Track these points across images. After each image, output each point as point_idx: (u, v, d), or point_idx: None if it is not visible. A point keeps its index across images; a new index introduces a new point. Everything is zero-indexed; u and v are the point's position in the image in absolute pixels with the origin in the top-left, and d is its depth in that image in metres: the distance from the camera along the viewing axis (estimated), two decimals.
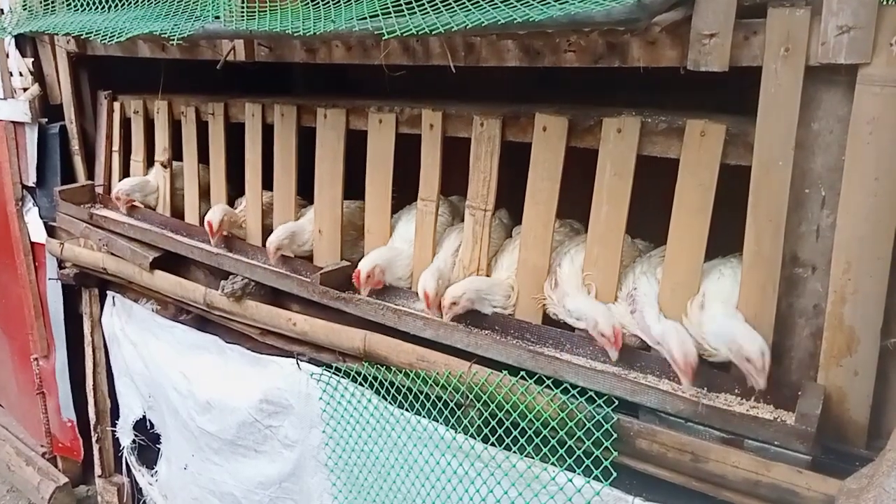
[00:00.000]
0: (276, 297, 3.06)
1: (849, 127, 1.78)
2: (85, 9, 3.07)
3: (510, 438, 2.22)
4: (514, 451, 2.22)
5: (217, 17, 2.52)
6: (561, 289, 2.31)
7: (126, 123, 3.84)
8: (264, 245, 3.19)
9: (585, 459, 2.04)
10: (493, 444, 2.28)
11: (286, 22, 2.28)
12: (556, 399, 2.11)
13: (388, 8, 2.07)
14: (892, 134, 1.73)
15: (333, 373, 2.75)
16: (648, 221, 2.37)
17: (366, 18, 2.12)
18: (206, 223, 3.20)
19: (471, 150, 2.51)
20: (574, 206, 2.44)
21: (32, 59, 4.01)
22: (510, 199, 2.60)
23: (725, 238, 2.12)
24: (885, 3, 1.69)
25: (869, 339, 1.83)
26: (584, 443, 2.03)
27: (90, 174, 4.05)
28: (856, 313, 1.83)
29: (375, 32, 2.01)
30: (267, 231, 3.23)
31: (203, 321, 3.42)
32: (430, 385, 2.39)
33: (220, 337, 3.31)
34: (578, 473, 2.07)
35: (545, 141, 2.32)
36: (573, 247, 2.44)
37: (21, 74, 4.06)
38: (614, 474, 1.97)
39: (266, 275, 3.03)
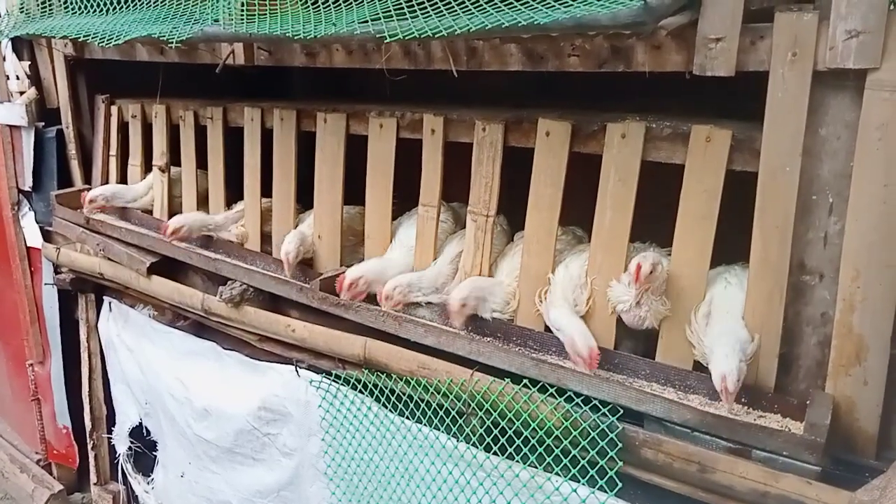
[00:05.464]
0: (275, 303, 3.02)
1: (857, 133, 1.76)
2: (82, 12, 3.04)
3: (513, 447, 2.19)
4: (517, 461, 2.19)
5: (216, 21, 2.49)
6: (549, 298, 2.29)
7: (124, 127, 3.81)
8: (262, 251, 3.18)
9: (590, 469, 2.01)
10: (495, 454, 2.25)
11: (286, 25, 2.25)
12: (559, 408, 2.08)
13: (390, 11, 2.04)
14: None
15: (333, 380, 2.72)
16: (652, 227, 2.35)
17: (367, 22, 2.09)
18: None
19: (473, 156, 2.48)
20: (577, 212, 2.42)
21: (29, 63, 3.98)
22: (507, 202, 2.57)
23: (731, 245, 2.09)
24: (894, 7, 1.67)
25: (878, 348, 1.80)
26: (589, 452, 2.01)
27: (87, 178, 4.01)
28: (865, 321, 1.81)
29: (377, 36, 1.99)
30: (265, 237, 3.20)
31: (201, 327, 3.38)
32: (432, 393, 2.36)
33: (218, 343, 3.28)
34: (583, 483, 2.05)
35: (548, 146, 2.30)
36: (569, 255, 2.41)
37: (18, 78, 4.02)
38: (619, 484, 1.95)
39: (265, 280, 3.00)
